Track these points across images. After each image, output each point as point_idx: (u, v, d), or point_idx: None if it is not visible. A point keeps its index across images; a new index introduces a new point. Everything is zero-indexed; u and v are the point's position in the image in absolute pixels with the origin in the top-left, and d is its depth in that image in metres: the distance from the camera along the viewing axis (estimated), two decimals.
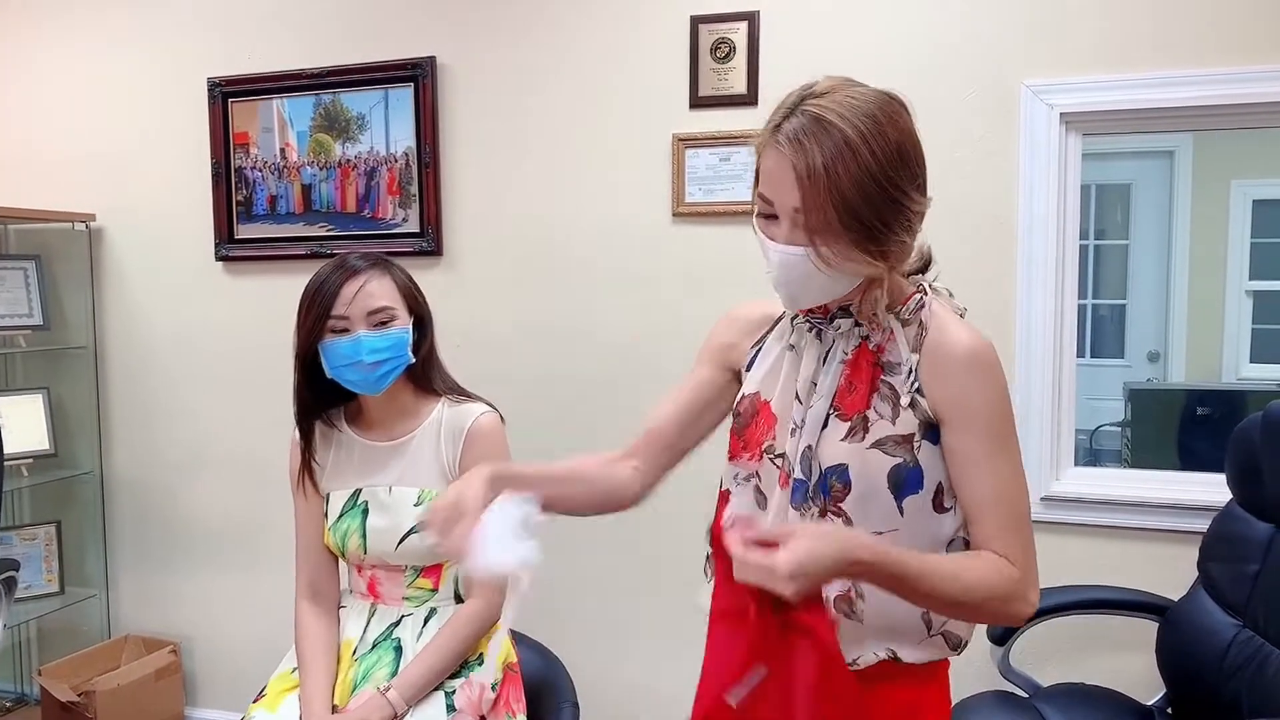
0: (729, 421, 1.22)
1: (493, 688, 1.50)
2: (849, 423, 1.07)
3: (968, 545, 1.07)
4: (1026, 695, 1.94)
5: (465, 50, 2.48)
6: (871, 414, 1.06)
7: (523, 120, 2.45)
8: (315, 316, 1.47)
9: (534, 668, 1.66)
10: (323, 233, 2.64)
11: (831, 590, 1.06)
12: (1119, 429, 4.10)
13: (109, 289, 2.90)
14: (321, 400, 1.55)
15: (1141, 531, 2.11)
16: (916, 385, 1.06)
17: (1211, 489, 2.04)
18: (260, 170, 2.69)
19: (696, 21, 2.28)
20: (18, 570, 2.34)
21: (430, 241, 2.52)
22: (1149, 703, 1.92)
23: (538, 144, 2.45)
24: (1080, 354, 2.20)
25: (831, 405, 1.08)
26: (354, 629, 1.50)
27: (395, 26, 2.53)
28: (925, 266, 1.15)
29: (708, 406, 1.23)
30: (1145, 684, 1.99)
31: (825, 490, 1.07)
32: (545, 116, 2.43)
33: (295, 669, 1.51)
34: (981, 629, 2.05)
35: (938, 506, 1.06)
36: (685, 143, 2.31)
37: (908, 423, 1.05)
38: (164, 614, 2.94)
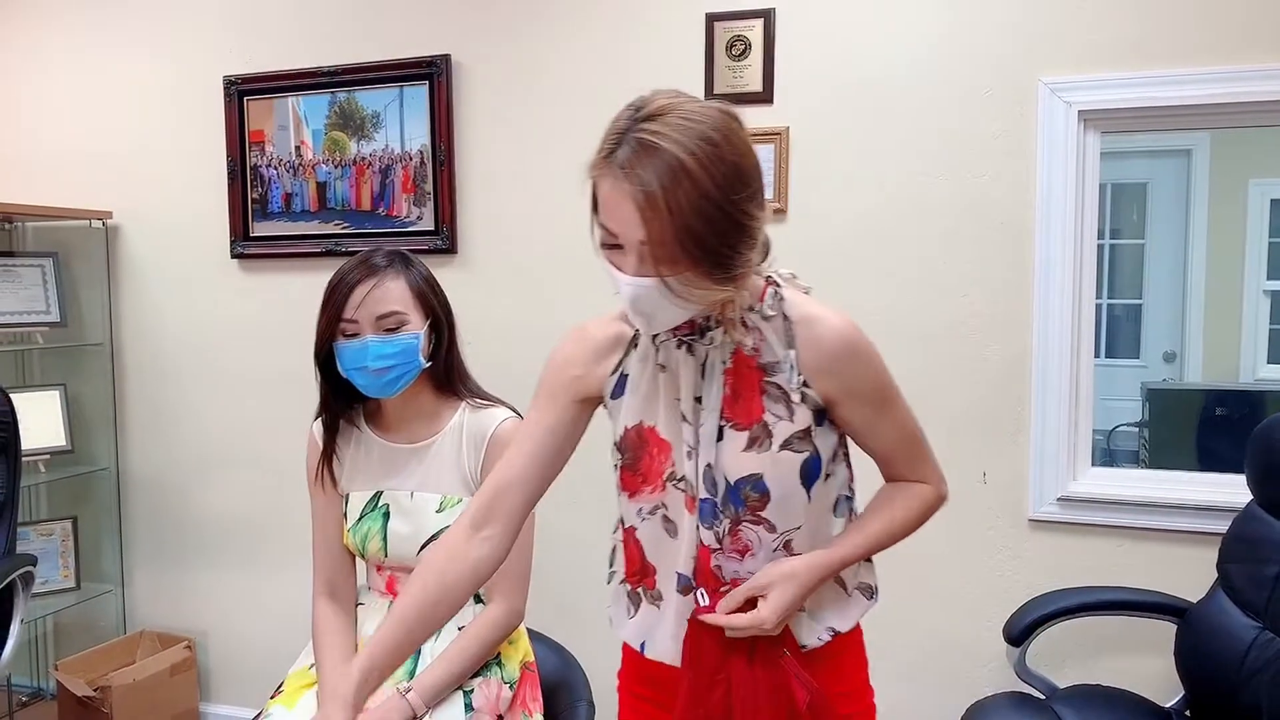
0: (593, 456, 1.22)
1: (510, 687, 1.50)
2: (748, 432, 1.08)
3: (850, 497, 1.19)
4: (1043, 697, 1.93)
5: (479, 48, 2.48)
6: (769, 418, 1.08)
7: (537, 117, 2.45)
8: (328, 317, 1.47)
9: (550, 666, 1.65)
10: (338, 230, 2.64)
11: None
12: (1136, 429, 4.07)
13: (125, 286, 2.91)
14: (341, 397, 1.54)
15: (1160, 532, 2.10)
16: (803, 379, 1.09)
17: (1231, 490, 2.03)
18: (276, 168, 2.69)
19: (712, 19, 2.27)
20: (35, 566, 2.36)
21: (445, 239, 2.52)
22: (1167, 705, 1.90)
23: (552, 141, 2.45)
24: (1095, 354, 2.18)
25: (722, 417, 1.09)
26: (371, 627, 1.50)
27: (410, 25, 2.53)
28: (765, 254, 1.09)
29: (559, 452, 1.18)
30: (1163, 686, 1.98)
31: (738, 501, 1.09)
32: (559, 114, 2.43)
33: (313, 665, 1.51)
34: (984, 624, 2.05)
35: (825, 479, 1.13)
36: None
37: (803, 417, 1.09)
38: (179, 609, 2.95)
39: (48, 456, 2.88)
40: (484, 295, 2.52)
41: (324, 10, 2.62)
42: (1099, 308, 4.90)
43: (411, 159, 2.55)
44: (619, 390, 1.16)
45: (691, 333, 1.09)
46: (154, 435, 2.94)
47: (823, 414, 1.10)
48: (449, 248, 2.52)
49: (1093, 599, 2.01)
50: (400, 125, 2.55)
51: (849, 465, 1.20)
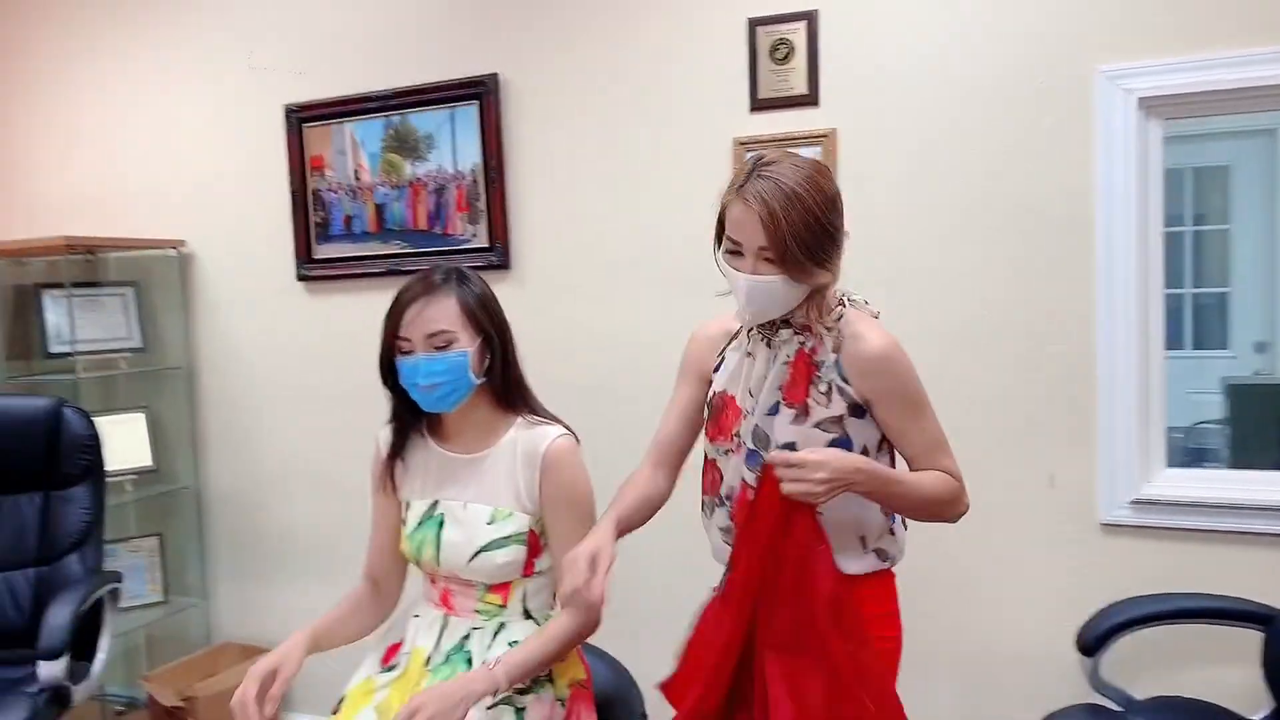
0: None
1: (562, 704, 1.51)
2: (794, 410, 1.41)
3: None
4: (1119, 709, 1.86)
5: (525, 65, 2.51)
6: (810, 402, 1.41)
7: (584, 131, 2.47)
8: (387, 334, 1.51)
9: (604, 680, 1.66)
10: (397, 250, 2.71)
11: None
12: (1218, 426, 3.88)
13: (200, 311, 3.03)
14: (408, 407, 1.57)
15: (1243, 535, 2.00)
16: (840, 377, 1.40)
17: None
18: (336, 192, 2.77)
19: (754, 24, 2.26)
20: (120, 582, 2.47)
21: (499, 255, 2.56)
22: (1254, 718, 1.81)
23: (599, 154, 2.46)
24: (1180, 346, 2.09)
25: (781, 397, 1.42)
26: (427, 639, 1.53)
27: (457, 46, 2.58)
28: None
29: (698, 415, 1.59)
30: (1248, 697, 1.88)
31: None
32: (605, 126, 2.45)
33: (371, 675, 1.55)
34: (1056, 633, 1.98)
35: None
36: (746, 146, 2.29)
37: (838, 406, 1.40)
38: (259, 622, 3.05)
39: (134, 476, 3.02)
40: (538, 309, 2.54)
41: (375, 36, 2.69)
42: (1181, 298, 4.71)
43: (464, 178, 2.59)
44: (719, 368, 1.55)
45: (773, 330, 1.44)
46: (231, 453, 3.05)
47: (860, 409, 1.41)
48: (502, 263, 2.56)
49: (1171, 606, 1.93)
50: (452, 145, 2.60)
51: (892, 460, 1.48)
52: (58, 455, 2.46)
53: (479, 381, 1.53)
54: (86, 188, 3.15)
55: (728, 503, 1.49)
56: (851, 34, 2.20)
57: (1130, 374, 2.04)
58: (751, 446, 1.43)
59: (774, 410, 1.42)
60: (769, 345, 1.45)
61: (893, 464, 1.47)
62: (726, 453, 1.49)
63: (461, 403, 1.53)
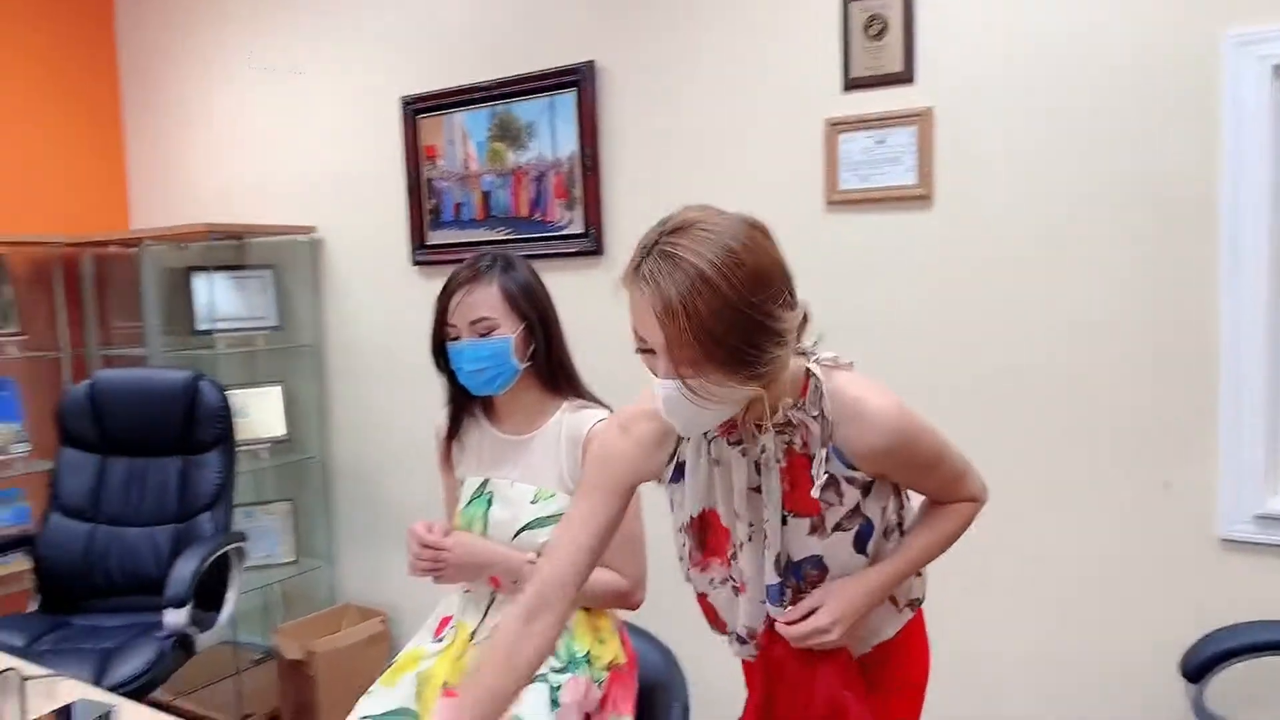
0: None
1: (599, 686, 1.53)
2: (809, 520, 1.19)
3: (901, 526, 1.28)
4: None
5: (620, 50, 2.52)
6: (823, 507, 1.18)
7: (675, 114, 2.45)
8: (436, 320, 1.57)
9: (650, 663, 1.66)
10: (501, 236, 2.79)
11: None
12: None
13: (329, 292, 3.24)
14: (462, 389, 1.63)
15: None
16: (845, 464, 1.16)
17: None
18: (446, 180, 2.88)
19: (847, 0, 2.17)
20: (245, 541, 2.69)
21: (592, 241, 2.59)
22: None
23: (689, 138, 2.44)
24: None
25: (784, 509, 1.19)
26: (473, 616, 1.58)
27: (557, 34, 2.62)
28: (804, 324, 1.08)
29: (606, 540, 1.25)
30: None
31: (799, 575, 1.23)
32: (696, 109, 2.42)
33: (422, 644, 1.62)
34: (1159, 654, 1.82)
35: (885, 532, 1.25)
36: (838, 127, 2.20)
37: (852, 497, 1.18)
38: (377, 585, 3.25)
39: (269, 445, 3.27)
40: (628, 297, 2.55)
41: (482, 27, 2.76)
42: None
43: (562, 165, 2.64)
44: (677, 476, 1.27)
45: (739, 438, 1.18)
46: (355, 426, 3.24)
47: (870, 486, 1.20)
48: (596, 249, 2.59)
49: None
50: (551, 133, 2.65)
51: (899, 496, 1.28)
52: (194, 423, 2.69)
53: (523, 366, 1.56)
54: (236, 179, 3.42)
55: (751, 641, 1.29)
56: (950, 5, 2.07)
57: (1258, 373, 1.84)
58: (775, 581, 1.21)
59: (784, 522, 1.19)
60: (744, 452, 1.18)
61: (899, 499, 1.28)
62: (725, 581, 1.28)
63: (507, 386, 1.57)
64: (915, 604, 1.34)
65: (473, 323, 1.53)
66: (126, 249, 3.35)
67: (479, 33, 2.78)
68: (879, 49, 2.15)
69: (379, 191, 3.04)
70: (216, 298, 3.13)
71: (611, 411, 1.61)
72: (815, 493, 1.15)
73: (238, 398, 3.23)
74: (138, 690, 2.20)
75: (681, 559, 1.32)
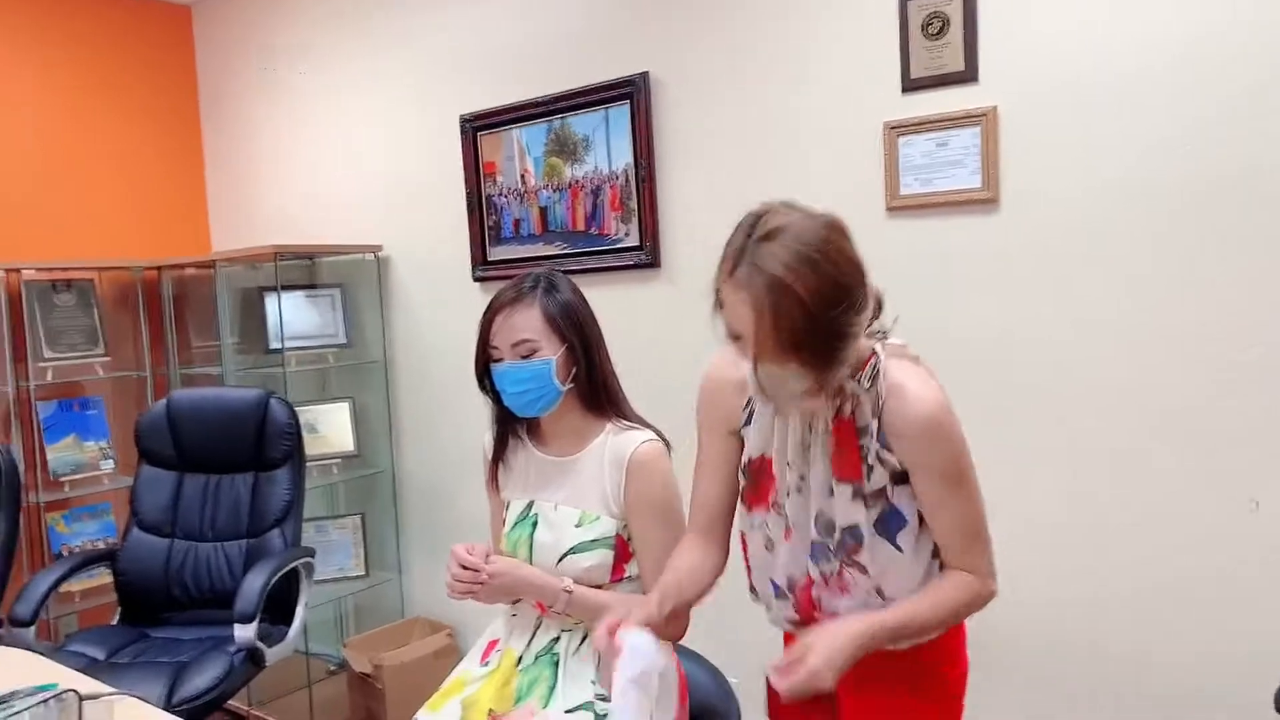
0: None
1: None
2: (852, 485, 1.25)
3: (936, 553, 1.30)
4: None
5: (674, 60, 2.49)
6: (864, 474, 1.24)
7: (730, 123, 2.41)
8: (480, 343, 1.56)
9: (703, 688, 1.61)
10: (559, 251, 2.78)
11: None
12: None
13: (395, 310, 3.29)
14: (507, 411, 1.62)
15: None
16: (882, 444, 1.23)
17: None
18: (505, 196, 2.90)
19: None
20: (313, 557, 2.73)
21: (648, 254, 2.56)
22: None
23: (745, 146, 2.39)
24: None
25: (831, 473, 1.26)
26: (519, 641, 1.57)
27: (611, 46, 2.60)
28: (878, 308, 1.26)
29: (735, 473, 1.41)
30: None
31: (844, 547, 1.27)
32: (751, 117, 2.37)
33: (468, 669, 1.60)
34: (1248, 685, 1.69)
35: (922, 525, 1.27)
36: (897, 130, 2.13)
37: (879, 477, 1.24)
38: (445, 599, 3.21)
39: (340, 460, 3.33)
40: (687, 308, 2.51)
41: (537, 42, 2.77)
42: None
43: (617, 178, 2.62)
44: (748, 421, 1.36)
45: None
46: (422, 440, 3.28)
47: (903, 477, 1.24)
48: (652, 262, 2.56)
49: None
50: (607, 145, 2.63)
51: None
52: (264, 440, 2.76)
53: (566, 388, 1.54)
54: (307, 201, 3.51)
55: (790, 595, 1.36)
56: (1015, 1, 1.98)
57: None
58: (817, 537, 1.29)
59: (830, 492, 1.27)
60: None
61: None
62: (759, 527, 1.37)
63: (550, 408, 1.55)
64: None
65: (514, 345, 1.51)
66: (202, 271, 3.46)
67: (535, 48, 2.78)
68: (939, 48, 2.07)
69: (441, 209, 3.08)
70: (288, 316, 3.21)
71: (657, 432, 1.58)
72: (870, 457, 1.23)
73: (309, 414, 3.31)
74: (209, 703, 2.26)
75: (741, 500, 1.41)
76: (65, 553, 3.30)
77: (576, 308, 1.57)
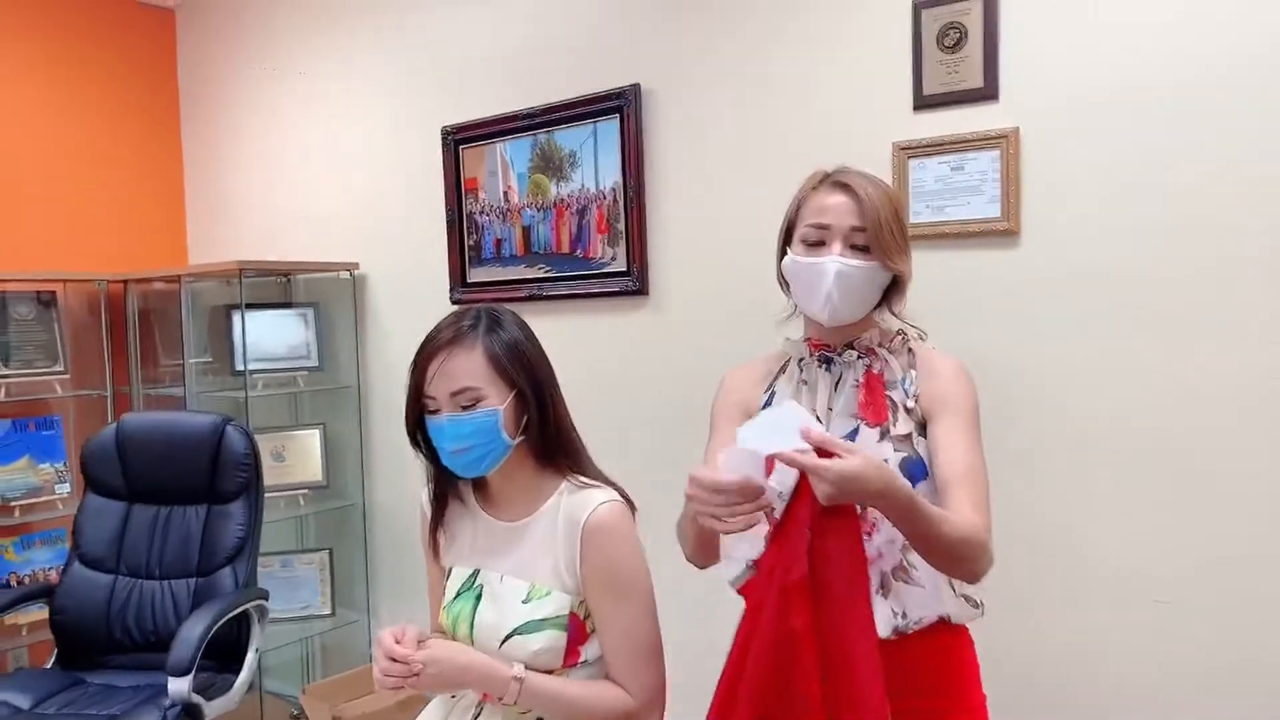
0: None
1: None
2: (879, 428, 1.31)
3: None
4: None
5: (668, 72, 2.30)
6: (890, 419, 1.30)
7: (725, 142, 2.21)
8: (412, 393, 1.35)
9: None
10: (541, 274, 2.59)
11: (888, 564, 1.28)
12: None
13: (371, 332, 3.09)
14: (446, 468, 1.40)
15: None
16: (915, 393, 1.32)
17: None
18: (487, 214, 2.70)
19: (919, 7, 1.90)
20: (267, 599, 2.52)
21: (635, 280, 2.36)
22: None
23: (741, 167, 2.19)
24: None
25: (858, 419, 1.32)
26: None
27: (601, 57, 2.42)
28: (901, 295, 1.38)
29: None
30: None
31: None
32: (749, 134, 2.18)
33: None
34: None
35: (938, 492, 1.28)
36: (908, 151, 1.93)
37: (905, 424, 1.31)
38: None
39: (307, 491, 3.13)
40: (675, 338, 2.32)
41: (523, 52, 2.59)
42: None
43: (605, 197, 2.42)
44: (768, 403, 1.40)
45: (829, 358, 1.36)
46: (395, 473, 3.07)
47: (925, 428, 1.31)
48: (640, 289, 2.35)
49: None
50: (595, 162, 2.44)
51: None
52: (219, 471, 2.55)
53: (516, 441, 1.33)
54: (283, 215, 3.33)
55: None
56: (1039, 9, 1.78)
57: None
58: None
59: (851, 436, 1.30)
60: (829, 369, 1.36)
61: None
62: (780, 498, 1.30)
63: (497, 465, 1.34)
64: (974, 604, 1.34)
65: (454, 394, 1.29)
66: (173, 286, 3.28)
67: (521, 57, 2.60)
68: (956, 62, 1.87)
69: (420, 227, 2.89)
70: (256, 337, 3.02)
71: (619, 491, 1.37)
72: (909, 401, 1.30)
73: (276, 440, 3.11)
74: None
75: None
76: (13, 582, 3.10)
77: (524, 346, 1.35)
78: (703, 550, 1.34)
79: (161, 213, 3.62)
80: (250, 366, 2.98)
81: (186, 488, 2.58)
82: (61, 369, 3.21)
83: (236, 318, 3.05)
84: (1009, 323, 1.85)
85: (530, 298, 2.57)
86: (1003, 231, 1.83)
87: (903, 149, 1.93)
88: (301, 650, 3.33)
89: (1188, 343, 1.67)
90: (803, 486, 1.11)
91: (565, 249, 2.53)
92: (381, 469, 3.12)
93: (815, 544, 1.09)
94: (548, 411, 1.35)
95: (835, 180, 1.33)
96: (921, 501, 1.13)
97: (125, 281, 3.33)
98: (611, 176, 2.40)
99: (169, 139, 3.64)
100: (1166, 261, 1.69)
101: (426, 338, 1.35)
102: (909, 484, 1.13)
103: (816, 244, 1.31)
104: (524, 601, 1.32)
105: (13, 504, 3.08)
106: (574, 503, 1.33)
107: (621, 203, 2.38)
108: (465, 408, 1.29)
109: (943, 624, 1.29)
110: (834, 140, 2.04)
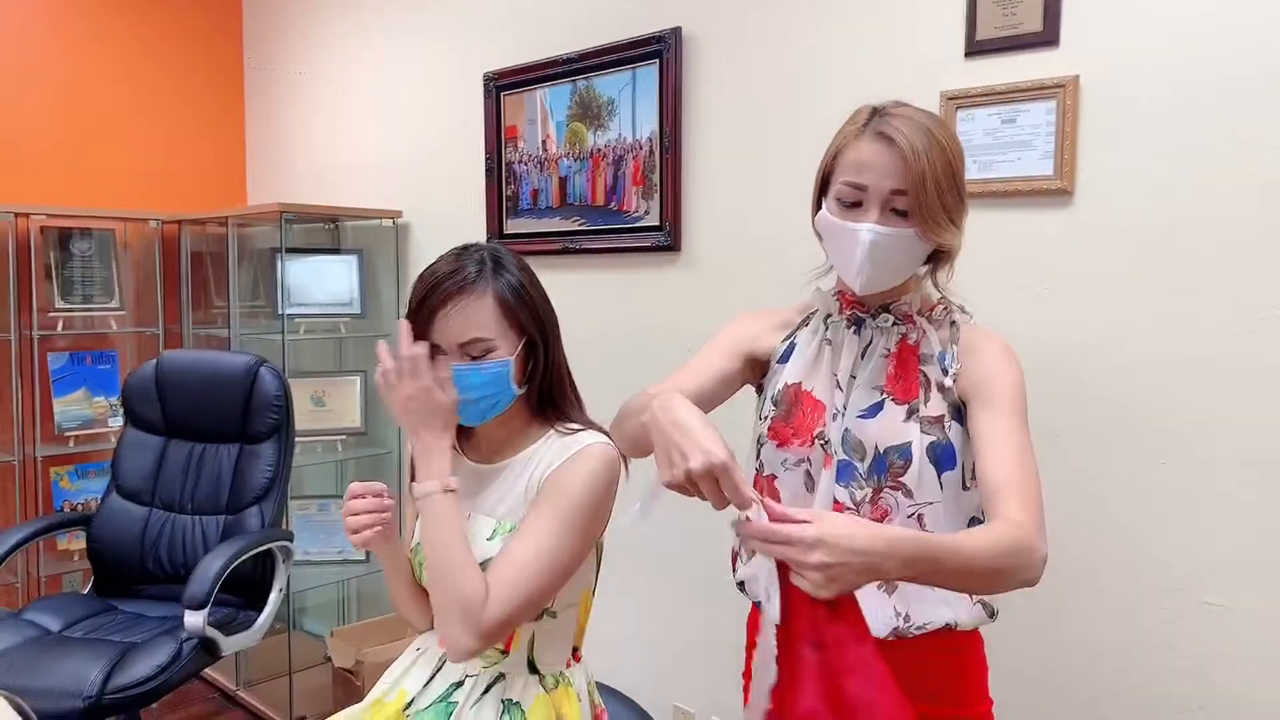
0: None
1: None
2: (906, 405, 1.19)
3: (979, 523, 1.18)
4: None
5: (710, 15, 2.17)
6: (920, 397, 1.19)
7: (766, 89, 2.08)
8: (416, 334, 1.29)
9: None
10: (576, 227, 2.51)
11: None
12: None
13: (411, 279, 3.06)
14: None
15: None
16: (946, 372, 1.19)
17: None
18: (526, 164, 2.63)
19: None
20: (291, 540, 2.53)
21: (667, 235, 2.26)
22: None
23: (782, 117, 2.06)
24: None
25: (883, 392, 1.20)
26: (416, 681, 1.31)
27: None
28: (949, 263, 1.25)
29: (716, 398, 1.28)
30: None
31: (883, 469, 1.18)
32: (791, 84, 2.04)
33: (383, 695, 1.36)
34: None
35: (965, 484, 1.20)
36: (956, 102, 1.77)
37: (938, 405, 1.19)
38: None
39: (345, 436, 3.15)
40: (707, 297, 2.22)
41: None
42: None
43: (641, 147, 2.32)
44: (786, 356, 1.30)
45: (867, 312, 1.24)
46: None
47: (960, 414, 1.19)
48: (671, 244, 2.26)
49: None
50: (632, 110, 2.34)
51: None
52: (251, 411, 2.57)
53: (520, 390, 1.28)
54: (335, 160, 3.32)
55: None
56: None
57: None
58: (844, 457, 1.20)
59: (873, 411, 1.19)
60: (858, 333, 1.24)
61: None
62: (799, 464, 1.23)
63: (500, 414, 1.29)
64: (990, 611, 1.23)
65: (463, 344, 1.23)
66: (221, 229, 3.31)
67: (563, 2, 2.50)
68: (1012, 4, 1.70)
69: (461, 176, 2.84)
70: (301, 282, 3.03)
71: (606, 435, 1.29)
72: (947, 380, 1.19)
73: (317, 385, 3.14)
74: (146, 694, 2.08)
75: (759, 441, 1.28)
76: (67, 509, 3.22)
77: (530, 290, 1.28)
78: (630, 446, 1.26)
79: (223, 156, 3.66)
80: (294, 311, 3.00)
81: (220, 426, 2.61)
82: (118, 305, 3.29)
83: (281, 262, 3.07)
84: (1060, 290, 1.69)
85: (564, 251, 2.50)
86: (1055, 191, 1.67)
87: (951, 99, 1.78)
88: (338, 593, 3.38)
89: (1260, 316, 1.50)
90: (790, 596, 0.91)
91: (600, 201, 2.44)
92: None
93: (823, 662, 0.90)
94: (550, 359, 1.29)
95: (879, 129, 1.14)
96: (937, 540, 0.96)
97: (180, 222, 3.38)
98: (649, 125, 2.30)
99: (232, 83, 3.67)
100: (1236, 224, 1.51)
101: (427, 281, 1.27)
102: (910, 531, 0.98)
103: (853, 205, 1.17)
104: (488, 539, 1.27)
105: (69, 434, 3.18)
106: (559, 446, 1.27)
107: (658, 153, 2.28)
108: (475, 358, 1.23)
109: (948, 629, 1.20)
110: (879, 88, 1.88)
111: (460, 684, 1.28)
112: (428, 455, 1.21)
